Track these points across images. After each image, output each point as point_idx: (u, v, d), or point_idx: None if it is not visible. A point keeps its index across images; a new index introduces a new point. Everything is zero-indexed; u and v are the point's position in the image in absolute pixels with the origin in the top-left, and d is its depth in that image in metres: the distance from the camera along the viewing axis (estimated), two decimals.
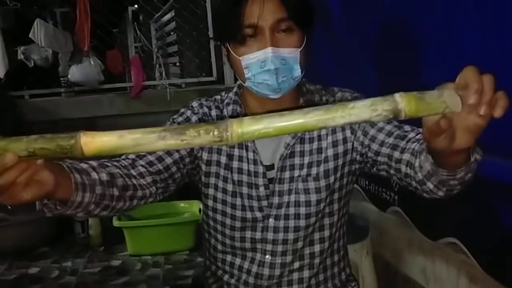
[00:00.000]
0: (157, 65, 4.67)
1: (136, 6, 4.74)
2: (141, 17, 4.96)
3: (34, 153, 0.70)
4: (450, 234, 1.59)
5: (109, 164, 1.06)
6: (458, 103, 0.71)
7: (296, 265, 1.28)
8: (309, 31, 1.16)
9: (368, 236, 2.04)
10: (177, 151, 1.19)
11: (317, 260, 1.29)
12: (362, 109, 0.69)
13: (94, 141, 0.69)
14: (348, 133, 1.23)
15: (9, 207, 2.87)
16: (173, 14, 4.22)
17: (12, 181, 0.72)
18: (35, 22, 3.34)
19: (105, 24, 4.10)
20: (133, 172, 1.09)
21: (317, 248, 1.28)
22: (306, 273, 1.29)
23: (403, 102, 0.69)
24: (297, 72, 1.12)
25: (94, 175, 0.96)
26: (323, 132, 1.24)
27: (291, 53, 1.11)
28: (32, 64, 3.64)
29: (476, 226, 1.49)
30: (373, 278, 2.03)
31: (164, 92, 3.40)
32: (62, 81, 3.42)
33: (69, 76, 3.37)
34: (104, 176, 0.99)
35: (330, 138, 1.23)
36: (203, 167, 1.26)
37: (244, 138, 0.71)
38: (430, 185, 0.96)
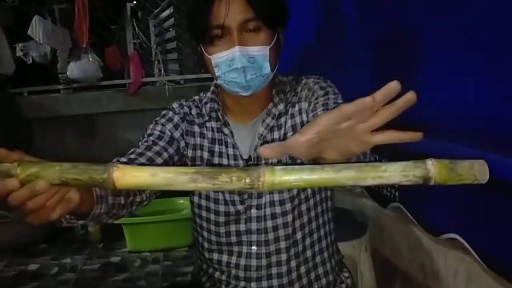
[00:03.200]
0: (156, 62, 4.66)
1: (134, 2, 4.73)
2: (139, 14, 4.95)
3: (66, 183, 0.70)
4: (451, 230, 1.59)
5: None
6: (486, 173, 0.73)
7: (283, 256, 1.29)
8: (279, 28, 1.18)
9: (367, 232, 2.04)
10: (166, 150, 1.21)
11: (301, 248, 1.30)
12: (393, 174, 0.70)
13: (126, 177, 0.70)
14: (304, 116, 1.24)
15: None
16: (172, 10, 4.21)
17: (42, 205, 0.72)
18: (34, 19, 3.33)
19: (103, 21, 4.10)
20: None
21: (299, 235, 1.29)
22: (293, 263, 1.30)
23: (435, 170, 0.71)
24: (267, 69, 1.14)
25: (97, 192, 0.97)
26: (286, 118, 1.25)
27: (260, 51, 1.13)
28: (31, 61, 3.64)
29: (478, 222, 1.49)
30: (372, 274, 2.03)
31: (163, 88, 3.40)
32: (61, 78, 3.42)
33: (67, 73, 3.37)
34: (103, 194, 1.00)
35: (290, 122, 1.25)
36: (189, 164, 1.28)
37: (275, 188, 0.71)
38: None
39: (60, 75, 3.42)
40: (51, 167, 0.70)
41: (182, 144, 1.25)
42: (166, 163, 1.19)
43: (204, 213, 1.30)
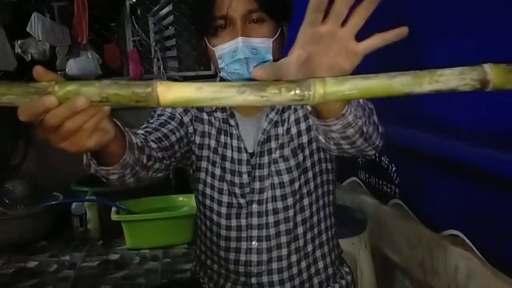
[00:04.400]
0: (155, 59, 4.65)
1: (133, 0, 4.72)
2: (139, 11, 4.93)
3: (107, 99, 0.65)
4: (452, 227, 1.59)
5: (136, 132, 1.07)
6: None
7: (284, 251, 1.29)
8: (284, 21, 1.18)
9: (367, 229, 2.04)
10: (178, 130, 1.21)
11: (302, 242, 1.30)
12: (450, 77, 0.67)
13: (171, 91, 0.65)
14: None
15: (7, 201, 2.88)
16: (171, 7, 4.20)
17: (80, 126, 0.68)
18: (33, 16, 3.32)
19: (102, 18, 4.08)
20: (151, 144, 1.10)
21: (300, 230, 1.29)
22: (294, 257, 1.30)
23: (493, 73, 0.67)
24: (270, 61, 1.13)
25: (133, 138, 0.96)
26: (290, 113, 1.25)
27: (263, 43, 1.12)
28: (30, 58, 3.63)
29: (479, 218, 1.49)
30: (371, 271, 2.03)
31: None
32: (60, 75, 3.41)
33: (66, 70, 3.37)
34: (139, 142, 0.99)
35: (293, 117, 1.25)
36: (196, 151, 1.28)
37: (327, 99, 0.67)
38: (321, 139, 0.99)
39: (59, 72, 3.40)
40: (91, 84, 0.65)
41: (191, 129, 1.26)
42: (178, 143, 1.20)
43: (208, 202, 1.30)
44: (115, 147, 0.86)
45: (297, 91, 0.66)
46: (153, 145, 1.11)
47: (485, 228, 1.46)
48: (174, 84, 0.66)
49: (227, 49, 1.12)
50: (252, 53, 1.11)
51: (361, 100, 0.95)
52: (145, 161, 1.02)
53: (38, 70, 0.66)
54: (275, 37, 1.14)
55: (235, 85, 0.65)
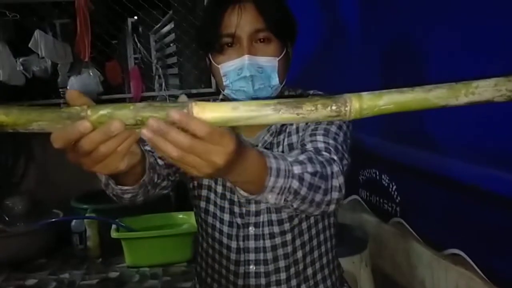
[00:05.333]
0: (157, 76, 4.67)
1: (135, 17, 4.75)
2: (140, 29, 4.97)
3: (142, 122, 0.65)
4: (454, 246, 1.58)
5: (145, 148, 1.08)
6: None
7: (283, 275, 1.28)
8: (289, 41, 1.20)
9: (367, 248, 2.03)
10: None
11: (301, 266, 1.29)
12: (486, 89, 0.67)
13: (205, 112, 0.65)
14: (301, 134, 1.23)
15: (7, 218, 2.87)
16: (173, 25, 4.23)
17: (114, 150, 0.68)
18: (35, 33, 3.34)
19: (104, 36, 4.10)
20: (158, 161, 1.10)
21: (299, 254, 1.28)
22: (294, 282, 1.29)
23: None
24: (275, 80, 1.15)
25: (148, 157, 0.97)
26: (284, 136, 1.25)
27: (269, 62, 1.14)
28: (31, 75, 3.64)
29: (480, 237, 1.48)
30: None
31: None
32: (61, 92, 3.42)
33: (68, 87, 3.37)
34: (152, 161, 1.00)
35: (286, 141, 1.25)
36: None
37: (363, 114, 0.67)
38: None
39: (60, 89, 3.42)
40: (124, 107, 0.65)
41: None
42: None
43: (210, 219, 1.30)
44: (140, 168, 0.86)
45: (333, 107, 0.66)
46: (160, 162, 1.11)
47: (486, 247, 1.46)
48: (208, 104, 0.66)
49: (232, 67, 1.13)
50: (258, 71, 1.12)
51: (299, 186, 0.93)
52: (156, 179, 1.03)
53: (71, 94, 0.66)
54: (281, 56, 1.15)
55: (270, 103, 0.65)
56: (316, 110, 0.65)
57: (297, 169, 0.93)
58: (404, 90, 0.67)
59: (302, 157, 1.01)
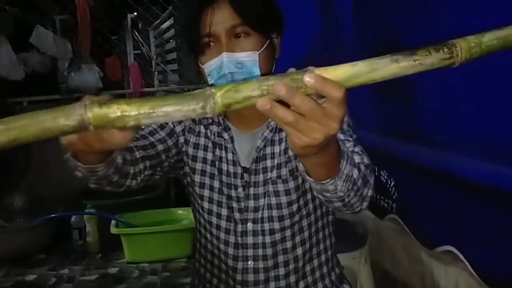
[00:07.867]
0: (156, 72, 4.67)
1: (135, 13, 4.75)
2: (140, 25, 4.97)
3: (267, 92, 0.63)
4: (447, 242, 1.58)
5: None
6: None
7: (282, 271, 1.28)
8: (272, 33, 1.19)
9: (367, 243, 2.03)
10: (165, 141, 1.21)
11: (301, 263, 1.29)
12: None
13: (328, 73, 0.64)
14: None
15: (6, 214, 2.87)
16: (172, 21, 4.23)
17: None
18: (35, 28, 3.35)
19: (104, 31, 4.11)
20: (136, 154, 1.11)
21: (299, 251, 1.28)
22: (292, 278, 1.29)
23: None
24: (257, 75, 1.13)
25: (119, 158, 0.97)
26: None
27: (248, 57, 1.13)
28: (31, 71, 3.64)
29: (473, 234, 1.48)
30: (372, 286, 2.02)
31: None
32: (61, 88, 3.43)
33: (67, 83, 3.38)
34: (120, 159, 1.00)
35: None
36: (189, 162, 1.28)
37: (472, 53, 0.68)
38: (321, 198, 0.95)
39: (60, 85, 3.42)
40: (247, 81, 0.64)
41: (182, 139, 1.26)
42: (165, 152, 1.21)
43: (206, 216, 1.30)
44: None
45: (445, 49, 0.66)
46: (138, 155, 1.11)
47: (479, 243, 1.46)
48: (327, 68, 0.65)
49: (213, 66, 1.13)
50: (237, 67, 1.12)
51: (358, 176, 0.91)
52: (130, 170, 1.06)
53: None
54: (262, 49, 1.15)
55: (386, 56, 0.65)
56: (430, 54, 0.66)
57: (356, 159, 0.93)
58: (503, 27, 0.69)
59: (358, 149, 1.00)
